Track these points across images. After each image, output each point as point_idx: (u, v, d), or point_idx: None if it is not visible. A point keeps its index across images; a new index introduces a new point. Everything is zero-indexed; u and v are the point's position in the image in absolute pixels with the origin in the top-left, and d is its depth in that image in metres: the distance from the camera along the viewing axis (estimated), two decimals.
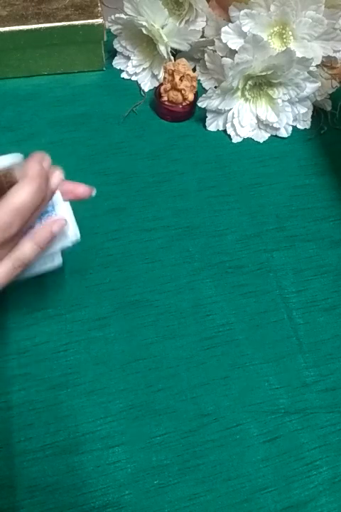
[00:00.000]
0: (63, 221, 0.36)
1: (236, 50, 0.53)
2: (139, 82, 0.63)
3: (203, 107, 0.57)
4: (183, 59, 0.57)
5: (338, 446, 0.38)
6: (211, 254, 0.48)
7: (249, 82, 0.55)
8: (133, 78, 0.63)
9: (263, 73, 0.54)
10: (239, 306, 0.44)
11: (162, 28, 0.58)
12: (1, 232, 0.31)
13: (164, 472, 0.36)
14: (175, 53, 0.62)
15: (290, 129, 0.58)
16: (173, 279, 0.46)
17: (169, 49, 0.59)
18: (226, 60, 0.54)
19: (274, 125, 0.57)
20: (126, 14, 0.58)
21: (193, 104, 0.58)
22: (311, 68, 0.54)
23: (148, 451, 0.37)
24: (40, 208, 0.33)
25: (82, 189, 0.39)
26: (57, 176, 0.35)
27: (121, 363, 0.40)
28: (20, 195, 0.31)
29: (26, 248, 0.34)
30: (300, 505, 0.35)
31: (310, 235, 0.50)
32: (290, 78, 0.54)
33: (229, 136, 0.58)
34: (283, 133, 0.58)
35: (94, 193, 0.39)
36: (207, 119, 0.58)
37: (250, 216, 0.51)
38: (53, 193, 0.36)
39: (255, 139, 0.58)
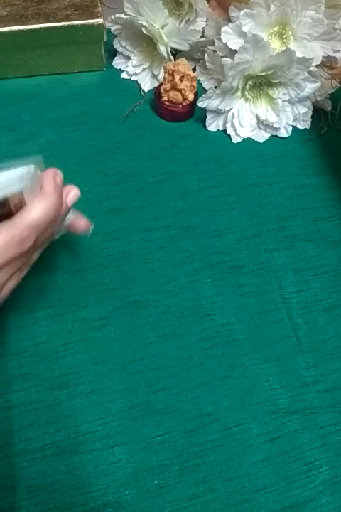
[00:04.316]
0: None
1: (236, 50, 0.53)
2: (139, 82, 0.63)
3: (203, 107, 0.57)
4: (183, 59, 0.57)
5: (338, 446, 0.38)
6: (211, 254, 0.48)
7: (249, 82, 0.55)
8: (133, 78, 0.63)
9: (263, 73, 0.54)
10: (239, 306, 0.44)
11: (162, 28, 0.58)
12: (16, 247, 0.31)
13: (164, 472, 0.36)
14: (175, 53, 0.62)
15: (290, 129, 0.58)
16: (173, 279, 0.46)
17: (169, 49, 0.59)
18: (226, 60, 0.54)
19: (274, 125, 0.57)
20: (126, 14, 0.58)
21: (193, 104, 0.58)
22: (311, 68, 0.54)
23: (148, 451, 0.37)
24: (55, 223, 0.34)
25: (82, 223, 0.39)
26: (75, 194, 0.36)
27: (121, 363, 0.40)
28: (36, 212, 0.31)
29: (34, 256, 0.36)
30: (300, 505, 0.35)
31: (310, 235, 0.50)
32: (290, 78, 0.54)
33: (229, 136, 0.58)
34: (283, 133, 0.58)
35: (91, 229, 0.40)
36: (207, 119, 0.58)
37: (250, 216, 0.51)
38: (69, 209, 0.36)
39: (255, 139, 0.58)
